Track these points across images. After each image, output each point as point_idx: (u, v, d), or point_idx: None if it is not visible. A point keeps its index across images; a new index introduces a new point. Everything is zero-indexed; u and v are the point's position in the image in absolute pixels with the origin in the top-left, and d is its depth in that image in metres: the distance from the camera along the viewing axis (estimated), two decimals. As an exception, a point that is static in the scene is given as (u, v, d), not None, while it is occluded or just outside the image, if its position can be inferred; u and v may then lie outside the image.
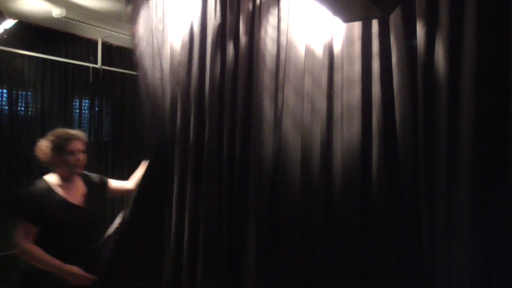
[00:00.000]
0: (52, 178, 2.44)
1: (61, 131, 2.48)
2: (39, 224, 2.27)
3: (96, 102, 6.32)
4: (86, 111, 6.23)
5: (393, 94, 1.92)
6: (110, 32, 5.30)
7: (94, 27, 5.07)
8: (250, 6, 2.38)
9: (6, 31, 4.63)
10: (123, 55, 6.62)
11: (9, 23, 4.57)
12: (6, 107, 5.18)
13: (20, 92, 5.34)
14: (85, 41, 6.00)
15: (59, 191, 2.38)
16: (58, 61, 5.65)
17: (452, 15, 1.74)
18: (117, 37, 5.71)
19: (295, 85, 2.25)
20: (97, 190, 2.61)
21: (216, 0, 2.41)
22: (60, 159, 2.40)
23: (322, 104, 2.14)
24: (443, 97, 1.76)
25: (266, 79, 2.33)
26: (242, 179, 2.35)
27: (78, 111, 6.10)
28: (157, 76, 2.63)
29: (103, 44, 6.14)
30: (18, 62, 5.25)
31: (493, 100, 1.67)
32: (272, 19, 2.35)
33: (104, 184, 2.71)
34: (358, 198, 2.00)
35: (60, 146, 2.40)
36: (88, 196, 2.51)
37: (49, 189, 2.36)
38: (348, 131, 2.04)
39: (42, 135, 5.68)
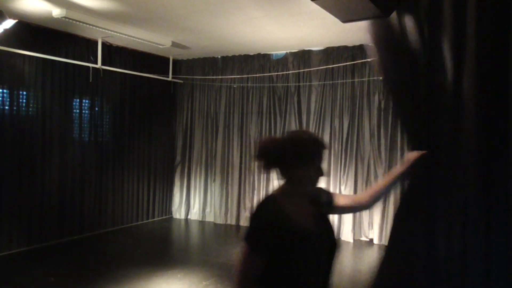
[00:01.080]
0: (279, 196, 1.80)
1: (309, 134, 1.87)
2: (270, 258, 1.69)
3: (96, 102, 6.33)
4: (86, 111, 6.24)
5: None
6: (110, 32, 5.30)
7: (94, 27, 5.07)
8: None
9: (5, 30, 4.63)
10: (123, 55, 6.64)
11: (9, 23, 4.57)
12: (7, 107, 5.19)
13: (20, 92, 5.34)
14: (85, 41, 6.01)
15: (291, 213, 1.75)
16: (58, 61, 5.65)
17: (455, 17, 1.73)
18: (117, 37, 5.71)
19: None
20: (325, 209, 1.94)
21: None
22: (307, 170, 1.76)
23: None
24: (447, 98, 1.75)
25: None
26: None
27: (78, 111, 6.10)
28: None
29: (103, 44, 6.14)
30: (18, 62, 5.25)
31: (494, 101, 1.67)
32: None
33: (330, 200, 1.99)
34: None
35: (316, 154, 1.77)
36: (320, 219, 1.85)
37: (281, 210, 1.74)
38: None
39: (43, 134, 5.68)
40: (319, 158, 1.77)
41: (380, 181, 2.05)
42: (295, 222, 1.72)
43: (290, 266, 1.69)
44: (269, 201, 1.78)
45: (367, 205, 2.04)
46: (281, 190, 1.78)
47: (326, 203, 1.94)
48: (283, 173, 1.77)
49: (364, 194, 2.11)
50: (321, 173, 1.80)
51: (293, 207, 1.75)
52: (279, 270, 1.69)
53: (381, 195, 1.99)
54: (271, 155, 1.75)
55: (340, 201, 2.02)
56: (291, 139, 1.78)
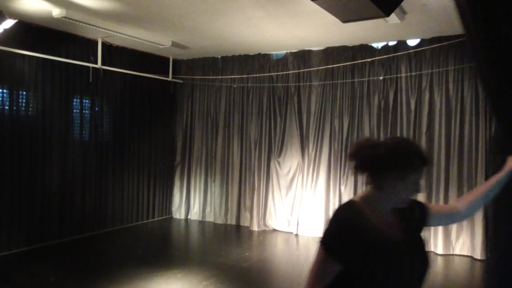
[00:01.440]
0: (362, 202, 1.64)
1: (415, 146, 1.63)
2: (347, 267, 1.58)
3: (96, 102, 6.33)
4: (86, 111, 6.24)
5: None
6: (110, 32, 5.30)
7: (94, 27, 5.07)
8: None
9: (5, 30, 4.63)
10: (123, 55, 6.64)
11: (9, 23, 4.57)
12: (7, 107, 5.19)
13: (20, 92, 5.34)
14: (85, 41, 6.01)
15: (374, 221, 1.61)
16: (58, 61, 5.65)
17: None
18: (117, 37, 5.71)
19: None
20: (417, 222, 1.72)
21: None
22: (403, 183, 1.57)
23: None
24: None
25: None
26: None
27: (78, 111, 6.10)
28: None
29: (103, 44, 6.14)
30: (18, 62, 5.25)
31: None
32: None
33: (424, 212, 1.76)
34: None
35: (417, 168, 1.58)
36: (410, 233, 1.66)
37: (363, 217, 1.60)
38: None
39: (43, 134, 5.68)
40: (419, 174, 1.59)
41: (478, 188, 1.86)
42: (377, 232, 1.57)
43: (368, 278, 1.55)
44: (350, 205, 1.64)
45: (464, 215, 1.84)
46: (366, 196, 1.64)
47: (419, 216, 1.73)
48: (374, 180, 1.61)
49: (460, 202, 1.89)
50: (417, 189, 1.62)
51: (377, 215, 1.60)
52: (356, 281, 1.56)
53: (479, 204, 1.81)
54: (367, 158, 1.59)
55: (435, 211, 1.82)
56: (395, 148, 1.59)
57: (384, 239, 1.57)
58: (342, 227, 1.58)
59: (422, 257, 1.64)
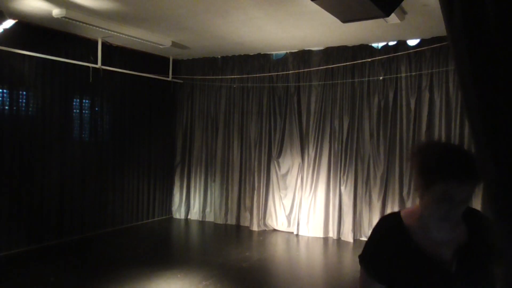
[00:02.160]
0: (407, 215, 1.45)
1: (467, 158, 1.29)
2: (389, 284, 1.41)
3: (96, 102, 6.33)
4: (86, 111, 6.24)
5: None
6: (110, 32, 5.30)
7: (94, 27, 5.07)
8: None
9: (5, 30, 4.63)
10: (123, 55, 6.63)
11: (9, 23, 4.57)
12: (7, 107, 5.19)
13: (20, 92, 5.34)
14: (85, 41, 6.01)
15: (417, 235, 1.40)
16: (58, 61, 5.65)
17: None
18: (117, 37, 5.71)
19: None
20: (485, 249, 1.37)
21: None
22: (431, 198, 1.32)
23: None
24: None
25: None
26: None
27: (78, 111, 6.10)
28: None
29: (103, 44, 6.14)
30: (18, 62, 5.25)
31: None
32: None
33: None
34: None
35: (448, 182, 1.27)
36: (470, 252, 1.38)
37: (404, 232, 1.40)
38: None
39: (43, 134, 5.67)
40: (460, 191, 1.27)
41: None
42: (419, 250, 1.37)
43: None
44: (390, 218, 1.47)
45: None
46: (412, 208, 1.44)
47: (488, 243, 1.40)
48: (417, 187, 1.38)
49: None
50: (444, 216, 1.32)
51: (423, 230, 1.40)
52: None
53: None
54: (412, 160, 1.39)
55: None
56: (431, 152, 1.34)
57: (427, 259, 1.36)
58: (379, 243, 1.43)
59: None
